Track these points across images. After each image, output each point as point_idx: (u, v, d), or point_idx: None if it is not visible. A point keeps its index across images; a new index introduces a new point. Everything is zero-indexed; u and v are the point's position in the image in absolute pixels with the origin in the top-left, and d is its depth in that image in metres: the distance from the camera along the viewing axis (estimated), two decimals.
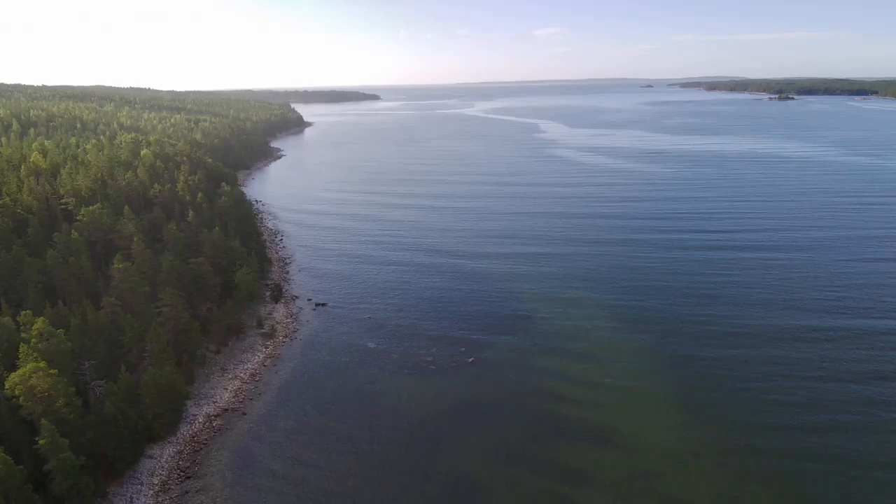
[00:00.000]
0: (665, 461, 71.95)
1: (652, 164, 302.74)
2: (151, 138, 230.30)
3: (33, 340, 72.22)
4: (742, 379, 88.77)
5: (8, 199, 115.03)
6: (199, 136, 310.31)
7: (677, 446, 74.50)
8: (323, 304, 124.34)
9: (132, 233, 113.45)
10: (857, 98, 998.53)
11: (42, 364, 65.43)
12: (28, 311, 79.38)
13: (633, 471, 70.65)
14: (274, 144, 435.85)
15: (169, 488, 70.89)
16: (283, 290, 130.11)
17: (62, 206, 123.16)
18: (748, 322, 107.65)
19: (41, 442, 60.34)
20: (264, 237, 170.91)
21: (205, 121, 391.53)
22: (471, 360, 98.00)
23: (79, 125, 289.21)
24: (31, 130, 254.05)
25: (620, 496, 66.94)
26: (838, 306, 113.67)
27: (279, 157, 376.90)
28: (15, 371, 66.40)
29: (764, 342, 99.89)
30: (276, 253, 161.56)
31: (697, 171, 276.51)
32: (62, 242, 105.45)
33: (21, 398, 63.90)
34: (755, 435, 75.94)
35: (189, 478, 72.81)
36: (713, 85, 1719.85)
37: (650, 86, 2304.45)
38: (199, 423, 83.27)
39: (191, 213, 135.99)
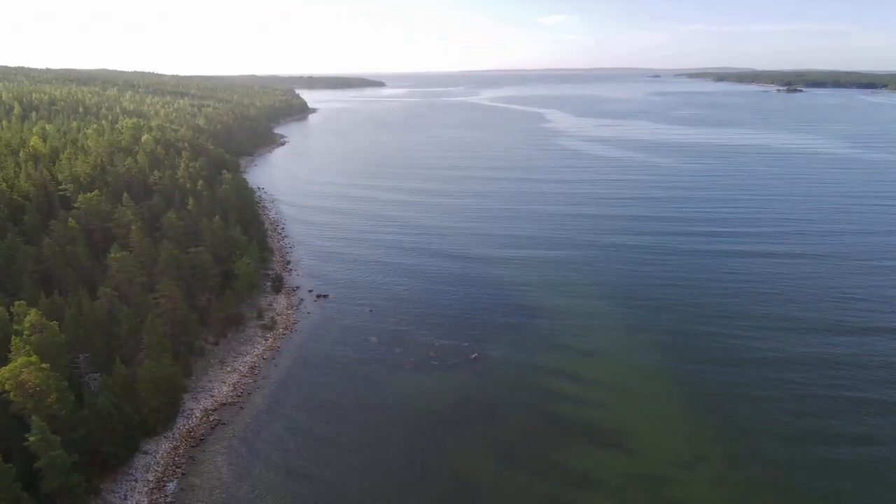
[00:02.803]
0: (673, 466, 70.14)
1: (660, 156, 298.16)
2: (153, 123, 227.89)
3: (26, 332, 70.41)
4: (754, 386, 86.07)
5: (4, 184, 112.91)
6: (201, 122, 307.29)
7: (685, 451, 72.61)
8: (325, 296, 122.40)
9: (130, 221, 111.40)
10: (866, 91, 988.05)
11: (34, 358, 63.57)
12: (21, 302, 77.64)
13: (640, 475, 68.89)
14: (277, 130, 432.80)
15: (164, 485, 69.36)
16: (284, 281, 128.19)
17: (60, 193, 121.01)
18: (762, 329, 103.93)
19: (31, 439, 58.57)
20: (266, 226, 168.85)
21: (208, 106, 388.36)
22: (473, 356, 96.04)
23: (81, 109, 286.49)
24: (33, 114, 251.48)
25: (626, 501, 65.20)
26: (857, 319, 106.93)
27: (283, 144, 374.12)
28: (6, 364, 64.64)
29: (778, 351, 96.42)
30: (278, 242, 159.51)
31: (707, 165, 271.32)
32: (59, 230, 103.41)
33: (11, 393, 62.12)
34: (766, 443, 73.89)
35: (185, 474, 71.27)
36: (721, 76, 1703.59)
37: (657, 76, 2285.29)
38: (196, 417, 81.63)
39: (191, 200, 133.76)
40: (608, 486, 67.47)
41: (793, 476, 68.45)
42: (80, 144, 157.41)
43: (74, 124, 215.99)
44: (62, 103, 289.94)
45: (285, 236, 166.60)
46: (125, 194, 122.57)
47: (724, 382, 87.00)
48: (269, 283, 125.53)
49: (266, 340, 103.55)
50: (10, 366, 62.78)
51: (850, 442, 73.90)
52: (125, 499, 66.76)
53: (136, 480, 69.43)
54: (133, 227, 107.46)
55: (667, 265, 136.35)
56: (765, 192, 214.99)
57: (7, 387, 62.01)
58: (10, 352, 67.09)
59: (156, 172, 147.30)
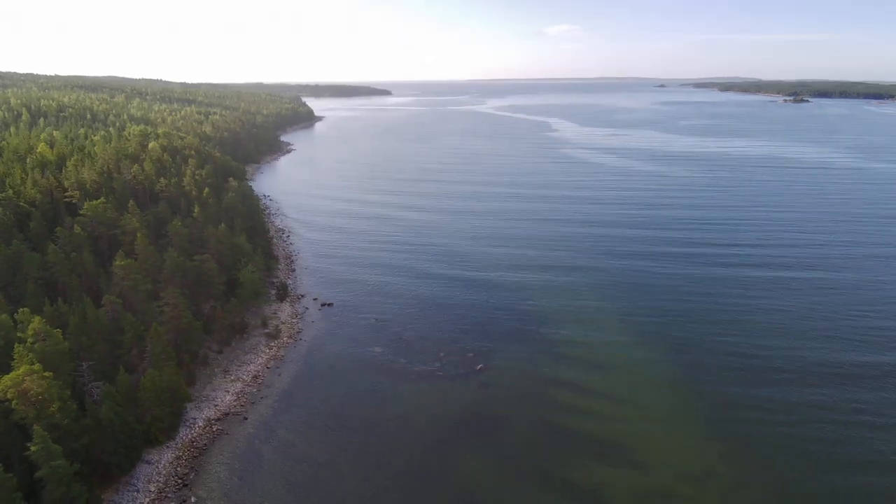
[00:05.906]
0: (681, 480, 69.04)
1: (670, 166, 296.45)
2: (160, 131, 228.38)
3: (29, 340, 70.05)
4: (764, 403, 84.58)
5: (11, 191, 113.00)
6: (208, 129, 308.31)
7: (694, 466, 71.46)
8: (329, 305, 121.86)
9: (136, 228, 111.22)
10: (873, 102, 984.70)
11: (36, 367, 63.16)
12: (26, 309, 77.28)
13: (648, 489, 67.81)
14: (284, 138, 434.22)
15: (166, 496, 68.68)
16: (289, 289, 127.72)
17: (66, 200, 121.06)
18: (773, 347, 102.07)
19: (33, 448, 58.07)
20: (271, 234, 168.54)
21: (215, 114, 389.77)
22: (479, 367, 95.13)
23: (89, 116, 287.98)
24: (41, 121, 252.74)
25: None
26: (874, 340, 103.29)
27: (289, 152, 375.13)
28: (9, 372, 64.18)
29: (789, 371, 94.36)
30: (283, 250, 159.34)
31: (718, 176, 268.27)
32: (64, 237, 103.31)
33: (13, 402, 61.62)
34: (776, 460, 72.78)
35: (187, 485, 70.60)
36: (727, 86, 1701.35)
37: (663, 85, 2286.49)
38: (198, 427, 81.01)
39: (197, 208, 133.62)
40: (615, 501, 66.42)
41: (802, 493, 67.21)
42: (86, 151, 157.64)
43: (82, 131, 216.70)
44: (70, 110, 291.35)
45: (290, 244, 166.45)
46: (131, 201, 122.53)
47: (734, 399, 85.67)
48: (273, 292, 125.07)
49: (270, 349, 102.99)
50: (13, 374, 62.36)
51: (859, 465, 72.42)
52: None
53: (137, 491, 68.79)
54: (138, 235, 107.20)
55: (676, 280, 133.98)
56: (779, 206, 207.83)
57: (9, 395, 61.56)
58: (13, 360, 66.73)
59: (162, 180, 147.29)
